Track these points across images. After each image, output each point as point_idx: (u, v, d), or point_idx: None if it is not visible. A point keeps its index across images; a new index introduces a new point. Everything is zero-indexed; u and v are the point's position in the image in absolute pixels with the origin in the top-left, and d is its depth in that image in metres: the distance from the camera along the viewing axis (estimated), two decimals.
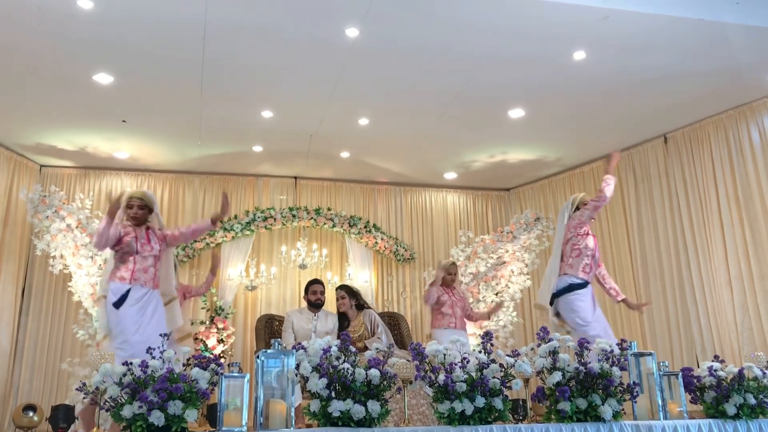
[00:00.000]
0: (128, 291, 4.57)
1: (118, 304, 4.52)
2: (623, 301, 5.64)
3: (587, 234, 5.31)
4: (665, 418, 3.84)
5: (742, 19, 5.51)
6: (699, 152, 7.15)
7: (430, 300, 6.24)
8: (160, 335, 3.37)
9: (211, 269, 6.53)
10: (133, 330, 4.46)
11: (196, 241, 7.81)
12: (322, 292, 6.33)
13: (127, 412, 2.96)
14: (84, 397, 3.18)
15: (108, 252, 4.93)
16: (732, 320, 6.51)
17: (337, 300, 6.35)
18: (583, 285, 5.16)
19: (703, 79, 6.27)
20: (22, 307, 7.51)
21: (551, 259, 5.38)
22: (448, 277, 6.42)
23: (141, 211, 4.82)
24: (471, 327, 7.61)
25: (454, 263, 6.58)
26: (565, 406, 3.52)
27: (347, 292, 6.39)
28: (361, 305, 6.37)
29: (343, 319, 6.30)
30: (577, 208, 5.45)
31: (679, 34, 5.59)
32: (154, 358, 3.16)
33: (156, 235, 4.87)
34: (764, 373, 4.14)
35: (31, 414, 6.31)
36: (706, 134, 7.09)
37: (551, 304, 5.18)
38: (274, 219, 8.02)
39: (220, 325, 7.45)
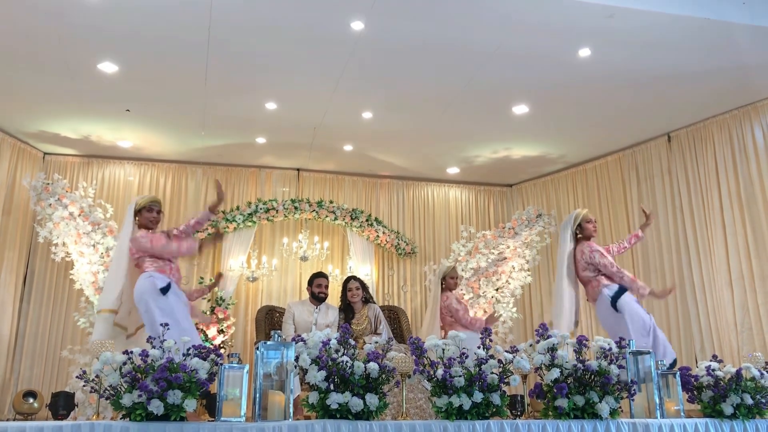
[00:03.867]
0: (169, 284, 4.72)
1: (165, 290, 4.64)
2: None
3: (600, 253, 5.40)
4: (662, 416, 3.86)
5: (748, 19, 5.49)
6: (702, 152, 7.14)
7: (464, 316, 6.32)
8: (161, 324, 3.40)
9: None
10: (183, 316, 4.62)
11: (197, 231, 7.81)
12: (327, 286, 6.33)
13: (126, 400, 2.98)
14: (84, 385, 3.20)
15: (122, 253, 4.96)
16: (732, 320, 6.52)
17: (350, 290, 6.34)
18: (624, 290, 5.28)
19: (708, 78, 6.26)
20: (23, 294, 7.52)
21: (564, 283, 5.42)
22: (451, 282, 6.45)
23: (159, 215, 5.04)
24: None
25: (454, 267, 6.69)
26: (562, 402, 3.53)
27: (360, 283, 6.43)
28: (366, 299, 6.41)
29: (348, 310, 6.32)
30: (579, 226, 5.53)
31: (685, 33, 5.57)
32: (154, 347, 3.18)
33: (170, 238, 5.01)
34: (762, 374, 4.15)
35: (31, 400, 6.34)
36: (710, 134, 7.08)
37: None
38: (276, 211, 8.02)
39: (221, 316, 7.47)
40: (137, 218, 4.97)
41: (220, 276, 5.88)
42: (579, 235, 5.56)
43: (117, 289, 4.80)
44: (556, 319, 5.38)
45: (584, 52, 5.82)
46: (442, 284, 6.46)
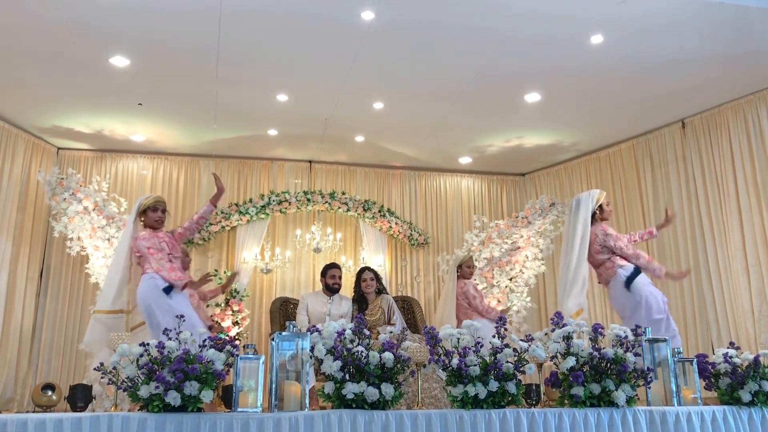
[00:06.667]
0: (171, 285, 4.73)
1: (168, 290, 4.66)
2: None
3: (614, 237, 5.37)
4: (679, 404, 3.84)
5: (763, 2, 5.41)
6: (717, 138, 7.06)
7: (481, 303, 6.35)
8: (177, 316, 3.42)
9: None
10: (188, 314, 4.60)
11: (211, 224, 7.85)
12: (340, 277, 6.38)
13: (144, 392, 3.01)
14: (101, 377, 3.23)
15: (121, 254, 5.00)
16: (749, 307, 6.46)
17: (364, 281, 6.38)
18: (639, 272, 5.26)
19: (723, 63, 6.18)
20: (40, 288, 7.60)
21: (577, 259, 5.29)
22: (467, 270, 6.50)
23: (164, 214, 5.05)
24: None
25: (471, 257, 6.76)
26: (578, 391, 3.52)
27: (374, 274, 6.46)
28: (379, 289, 6.43)
29: (362, 301, 6.34)
30: (600, 207, 5.48)
31: (699, 18, 5.50)
32: (170, 339, 3.20)
33: (173, 237, 5.05)
34: None
35: (49, 393, 6.41)
36: (725, 119, 7.00)
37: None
38: (289, 203, 8.04)
39: (235, 308, 7.51)
40: (142, 218, 5.02)
41: (234, 275, 5.88)
42: (597, 216, 5.50)
43: (114, 290, 4.86)
44: (564, 295, 5.28)
45: (596, 39, 5.76)
46: (457, 272, 6.55)
